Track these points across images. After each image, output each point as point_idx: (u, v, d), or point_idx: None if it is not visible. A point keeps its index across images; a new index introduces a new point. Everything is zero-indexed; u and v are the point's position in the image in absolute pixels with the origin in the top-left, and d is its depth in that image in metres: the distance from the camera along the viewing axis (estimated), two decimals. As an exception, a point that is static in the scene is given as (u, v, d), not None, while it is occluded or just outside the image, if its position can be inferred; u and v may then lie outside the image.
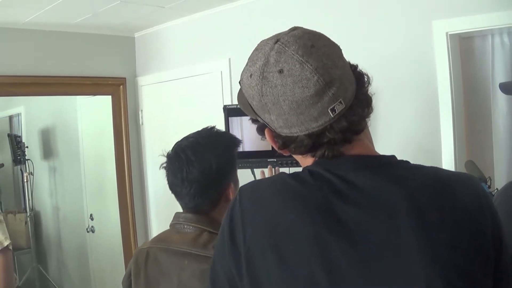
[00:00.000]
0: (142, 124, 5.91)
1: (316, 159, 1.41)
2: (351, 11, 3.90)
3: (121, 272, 5.88)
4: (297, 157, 1.49)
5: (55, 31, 5.30)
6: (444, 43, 3.40)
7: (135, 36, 5.95)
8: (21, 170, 7.60)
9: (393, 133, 3.59)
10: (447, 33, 3.39)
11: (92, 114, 6.60)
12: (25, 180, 7.41)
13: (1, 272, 3.60)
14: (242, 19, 4.71)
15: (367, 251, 1.25)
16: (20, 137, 7.62)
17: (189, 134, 2.24)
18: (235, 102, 4.41)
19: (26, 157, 7.44)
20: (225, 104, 4.32)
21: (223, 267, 1.44)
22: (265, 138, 1.48)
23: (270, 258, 1.32)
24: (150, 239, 5.75)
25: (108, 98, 5.84)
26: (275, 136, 1.43)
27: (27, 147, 7.50)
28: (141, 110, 5.91)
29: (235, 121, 3.93)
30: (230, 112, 3.99)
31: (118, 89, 5.81)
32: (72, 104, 6.85)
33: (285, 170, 3.85)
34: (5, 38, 5.00)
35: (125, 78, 5.85)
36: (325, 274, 1.26)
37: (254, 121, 1.50)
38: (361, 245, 1.26)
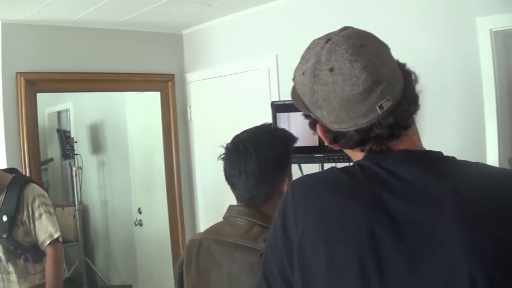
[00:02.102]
0: (191, 120, 5.97)
1: (366, 153, 1.46)
2: (395, 10, 3.90)
3: (168, 265, 5.96)
4: (347, 151, 1.55)
5: (104, 28, 5.40)
6: (488, 41, 3.35)
7: (183, 33, 6.01)
8: (70, 164, 7.69)
9: (437, 130, 3.55)
10: (490, 30, 3.33)
11: (140, 110, 6.67)
12: (73, 175, 7.52)
13: (51, 263, 3.69)
14: (289, 16, 4.72)
15: (413, 243, 1.29)
16: (69, 132, 7.73)
17: (248, 128, 2.27)
18: (283, 98, 4.45)
19: (75, 152, 7.54)
20: (272, 100, 4.36)
21: (275, 260, 1.49)
22: (317, 132, 1.53)
23: (320, 250, 1.36)
24: (197, 233, 5.82)
25: (156, 94, 5.91)
26: (326, 131, 1.48)
27: (76, 142, 7.59)
28: (190, 106, 5.96)
29: (282, 117, 3.96)
30: (277, 108, 4.02)
31: (166, 86, 5.88)
32: (121, 100, 6.93)
33: (331, 165, 3.90)
34: (56, 36, 5.12)
35: (173, 74, 5.92)
36: (374, 265, 1.29)
37: (306, 116, 1.55)
38: (408, 238, 1.29)
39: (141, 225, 6.78)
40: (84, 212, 7.95)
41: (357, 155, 1.50)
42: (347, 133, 1.42)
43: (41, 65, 4.97)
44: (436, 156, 1.45)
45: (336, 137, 1.46)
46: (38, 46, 5.01)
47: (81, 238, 7.55)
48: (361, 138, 1.41)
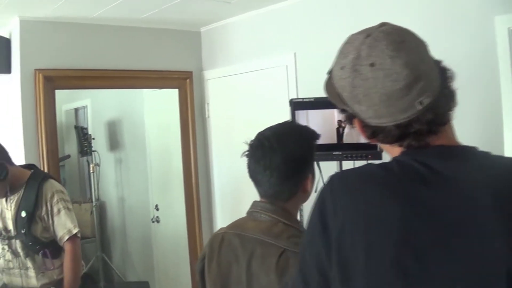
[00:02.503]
0: (208, 117, 5.98)
1: (403, 149, 1.47)
2: (413, 9, 3.89)
3: (185, 262, 5.98)
4: (385, 147, 1.56)
5: (122, 26, 5.43)
6: (506, 39, 3.32)
7: (201, 30, 6.02)
8: (87, 161, 7.72)
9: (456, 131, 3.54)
10: (509, 28, 3.31)
11: (158, 107, 6.69)
12: (91, 171, 7.54)
13: (70, 259, 3.70)
14: (307, 14, 4.72)
15: (451, 236, 1.30)
16: (86, 129, 7.77)
17: (271, 125, 2.28)
18: (301, 96, 4.46)
19: (93, 149, 7.58)
20: (291, 98, 4.36)
21: (312, 255, 1.49)
22: (354, 127, 1.55)
23: (359, 244, 1.37)
24: (214, 230, 5.84)
25: (174, 91, 5.93)
26: (364, 125, 1.50)
27: (93, 138, 7.62)
28: (207, 103, 5.97)
29: (301, 114, 3.97)
30: (296, 105, 4.03)
31: (184, 83, 5.90)
32: (139, 97, 6.95)
33: (350, 163, 3.90)
34: (74, 33, 5.15)
35: (191, 72, 5.93)
36: (412, 258, 1.31)
37: (342, 111, 1.55)
38: (446, 231, 1.31)
39: (158, 222, 6.80)
40: (101, 209, 7.99)
41: (394, 151, 1.51)
42: (385, 128, 1.44)
43: (60, 62, 5.00)
44: (472, 151, 1.47)
45: (374, 132, 1.48)
46: (57, 43, 5.03)
47: (98, 235, 7.58)
48: (400, 134, 1.44)
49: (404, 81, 1.34)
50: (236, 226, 2.30)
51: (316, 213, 1.50)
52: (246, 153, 2.25)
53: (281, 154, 2.12)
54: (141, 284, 7.10)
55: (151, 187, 7.05)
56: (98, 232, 7.61)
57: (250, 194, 4.99)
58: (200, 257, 2.40)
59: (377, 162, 1.52)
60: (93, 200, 7.61)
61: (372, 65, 1.36)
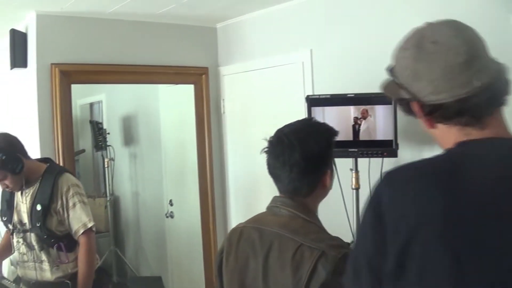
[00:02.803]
0: (224, 113, 5.97)
1: (461, 128, 1.53)
2: (428, 7, 3.84)
3: (199, 257, 5.99)
4: (440, 131, 1.61)
5: (139, 21, 5.42)
6: None
7: (217, 26, 6.01)
8: (102, 155, 7.77)
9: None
10: None
11: (173, 103, 6.69)
12: (105, 166, 7.60)
13: (84, 252, 3.71)
14: (324, 11, 4.69)
15: (505, 226, 1.34)
16: (101, 123, 7.79)
17: (291, 122, 2.32)
18: (317, 92, 4.45)
19: (107, 143, 7.62)
20: (306, 94, 4.35)
21: (365, 248, 1.54)
22: (412, 114, 1.64)
23: (421, 236, 1.40)
24: (228, 226, 5.85)
25: (189, 87, 5.93)
26: (422, 105, 1.56)
27: (108, 133, 7.66)
28: (223, 99, 5.96)
29: (317, 111, 3.97)
30: (312, 102, 4.03)
31: (200, 79, 5.89)
32: (154, 92, 6.95)
33: (365, 160, 3.90)
34: (90, 28, 5.15)
35: (207, 67, 5.92)
36: (472, 250, 1.34)
37: (400, 101, 1.65)
38: (500, 221, 1.35)
39: (172, 217, 6.81)
40: (115, 203, 8.04)
41: (450, 134, 1.56)
42: (443, 105, 1.50)
43: (76, 57, 5.01)
44: None
45: (432, 109, 1.53)
46: (73, 38, 5.04)
47: (111, 229, 7.63)
48: (458, 109, 1.49)
49: (465, 56, 1.44)
50: (255, 220, 2.34)
51: (370, 208, 1.54)
52: (265, 149, 2.28)
53: (300, 150, 2.16)
54: (154, 279, 7.13)
55: (165, 182, 7.05)
56: (112, 227, 7.67)
57: (264, 190, 5.00)
58: (218, 251, 2.44)
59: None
60: (107, 194, 7.67)
61: (434, 42, 1.48)
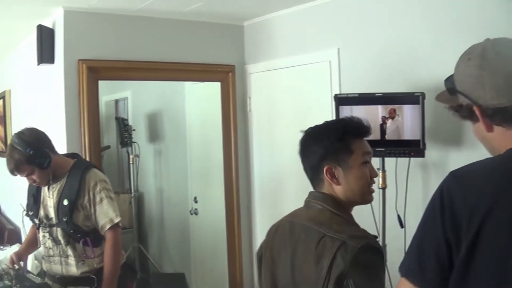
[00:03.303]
0: (250, 111, 5.96)
1: None
2: (449, 8, 3.86)
3: (222, 255, 5.99)
4: (496, 134, 1.74)
5: (166, 18, 5.44)
6: None
7: (244, 24, 6.01)
8: (127, 152, 7.79)
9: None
10: None
11: (199, 100, 6.70)
12: (130, 162, 7.62)
13: (110, 248, 3.72)
14: (352, 10, 4.68)
15: None
16: (127, 120, 7.82)
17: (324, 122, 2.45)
18: (344, 91, 4.45)
19: (133, 140, 7.64)
20: (334, 93, 4.34)
21: (434, 239, 1.64)
22: (468, 119, 1.80)
23: (491, 223, 1.53)
24: (253, 225, 5.85)
25: (216, 85, 5.93)
26: (484, 109, 1.70)
27: (134, 130, 7.68)
28: (249, 97, 5.95)
29: (345, 109, 3.98)
30: (341, 101, 4.04)
31: (227, 76, 5.89)
32: (180, 89, 6.96)
33: (392, 159, 3.89)
34: (117, 24, 5.19)
35: (234, 65, 5.93)
36: None
37: (459, 107, 1.80)
38: None
39: (196, 214, 6.80)
40: (139, 200, 8.08)
41: (507, 136, 1.70)
42: (504, 109, 1.66)
43: (103, 53, 5.04)
44: None
45: (494, 113, 1.68)
46: (100, 34, 5.08)
47: (135, 225, 7.66)
48: None
49: None
50: (291, 214, 2.47)
51: (439, 202, 1.65)
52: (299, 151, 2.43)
53: (310, 149, 2.35)
54: (177, 276, 7.13)
55: (190, 180, 7.05)
56: (136, 223, 7.70)
57: (289, 189, 5.01)
58: (260, 244, 2.58)
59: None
60: (132, 190, 7.69)
61: (497, 53, 1.67)
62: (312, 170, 2.35)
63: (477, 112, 1.72)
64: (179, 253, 7.53)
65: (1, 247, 6.38)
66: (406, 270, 1.72)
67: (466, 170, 1.69)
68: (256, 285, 2.51)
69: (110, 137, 8.47)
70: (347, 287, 1.98)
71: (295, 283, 2.23)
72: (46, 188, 3.79)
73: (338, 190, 2.30)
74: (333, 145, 2.29)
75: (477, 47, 1.72)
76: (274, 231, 2.46)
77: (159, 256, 7.91)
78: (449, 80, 1.83)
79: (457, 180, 1.66)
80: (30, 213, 3.90)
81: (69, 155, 4.00)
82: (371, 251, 2.07)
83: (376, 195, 3.89)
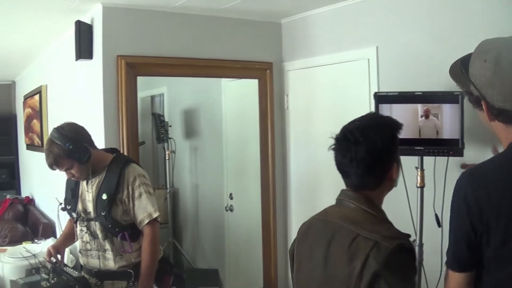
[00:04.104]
0: (287, 108, 5.96)
1: None
2: (466, 8, 3.88)
3: (257, 252, 5.98)
4: (496, 125, 2.05)
5: (204, 15, 5.45)
6: None
7: (282, 22, 6.01)
8: (163, 148, 7.83)
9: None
10: None
11: (236, 97, 6.71)
12: (166, 158, 7.66)
13: (148, 243, 3.73)
14: (390, 8, 4.65)
15: None
16: (163, 116, 7.86)
17: (355, 119, 2.38)
18: (382, 89, 4.42)
19: (169, 136, 7.67)
20: (372, 91, 4.31)
21: (461, 229, 2.01)
22: (478, 107, 2.09)
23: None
24: (289, 222, 5.84)
25: (252, 82, 5.94)
26: (490, 107, 1.99)
27: (170, 126, 7.72)
28: (287, 95, 5.95)
29: (385, 108, 3.95)
30: (380, 99, 4.01)
31: (265, 73, 5.89)
32: (217, 86, 6.97)
33: (431, 158, 3.86)
34: (156, 20, 5.20)
35: (271, 63, 5.92)
36: None
37: (470, 94, 2.10)
38: None
39: (231, 210, 6.83)
40: (174, 195, 8.12)
41: (508, 131, 2.01)
42: (507, 111, 1.94)
43: (142, 49, 5.07)
44: None
45: (498, 112, 1.98)
46: (139, 30, 5.10)
47: (170, 221, 7.70)
48: None
49: None
50: (323, 212, 2.46)
51: (461, 198, 2.00)
52: (332, 147, 2.36)
53: (365, 145, 2.23)
54: (210, 271, 7.17)
55: (226, 176, 7.07)
56: (171, 218, 7.74)
57: (326, 186, 4.98)
58: (292, 242, 2.56)
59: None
60: (167, 186, 7.73)
61: (510, 63, 1.88)
62: (371, 168, 2.26)
63: (484, 106, 2.01)
64: (214, 249, 7.56)
65: (36, 240, 6.47)
66: (449, 263, 2.10)
67: (480, 168, 2.05)
68: (290, 282, 2.54)
69: (144, 133, 8.50)
70: None
71: (327, 281, 2.24)
72: (84, 182, 3.82)
73: (383, 188, 2.33)
74: (395, 141, 2.33)
75: (493, 50, 1.94)
76: (306, 229, 2.46)
77: (193, 251, 7.96)
78: (465, 63, 2.06)
79: (473, 178, 2.00)
80: (68, 207, 3.92)
81: (108, 150, 4.03)
82: (403, 252, 2.08)
83: (414, 194, 3.89)
